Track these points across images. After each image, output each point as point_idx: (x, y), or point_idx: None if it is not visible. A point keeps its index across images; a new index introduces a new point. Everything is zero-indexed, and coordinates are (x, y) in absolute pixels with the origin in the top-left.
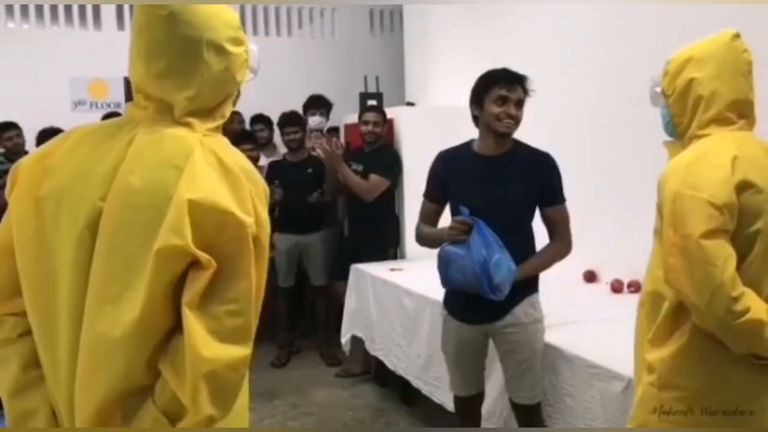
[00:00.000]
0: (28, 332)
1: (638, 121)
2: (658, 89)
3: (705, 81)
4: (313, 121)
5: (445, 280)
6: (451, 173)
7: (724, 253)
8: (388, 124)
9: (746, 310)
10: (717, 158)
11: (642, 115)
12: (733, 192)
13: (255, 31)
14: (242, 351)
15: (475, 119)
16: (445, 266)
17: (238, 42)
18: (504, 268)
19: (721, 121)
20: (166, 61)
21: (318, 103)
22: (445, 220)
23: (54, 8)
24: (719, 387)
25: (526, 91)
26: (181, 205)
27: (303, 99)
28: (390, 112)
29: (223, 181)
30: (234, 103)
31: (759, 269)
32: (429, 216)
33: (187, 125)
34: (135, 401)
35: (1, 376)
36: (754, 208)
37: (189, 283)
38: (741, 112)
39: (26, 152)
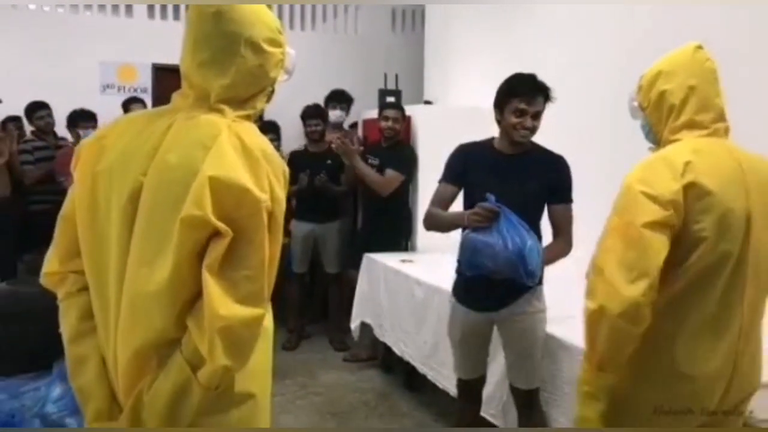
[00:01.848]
0: (85, 288)
1: None
2: (635, 103)
3: (675, 91)
4: (334, 114)
5: (472, 266)
6: (472, 163)
7: (659, 245)
8: (405, 122)
9: (646, 319)
10: (672, 159)
11: None
12: (680, 192)
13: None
14: (255, 312)
15: (498, 122)
16: (470, 253)
17: (275, 44)
18: (536, 252)
19: (691, 126)
20: (210, 53)
21: (339, 98)
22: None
23: None
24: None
25: (547, 99)
26: (203, 180)
27: (324, 92)
28: (408, 109)
29: (244, 162)
30: (268, 99)
31: (699, 274)
32: (443, 199)
33: (220, 111)
34: (168, 351)
35: (63, 324)
36: (701, 211)
37: (209, 250)
38: (711, 116)
39: (55, 133)
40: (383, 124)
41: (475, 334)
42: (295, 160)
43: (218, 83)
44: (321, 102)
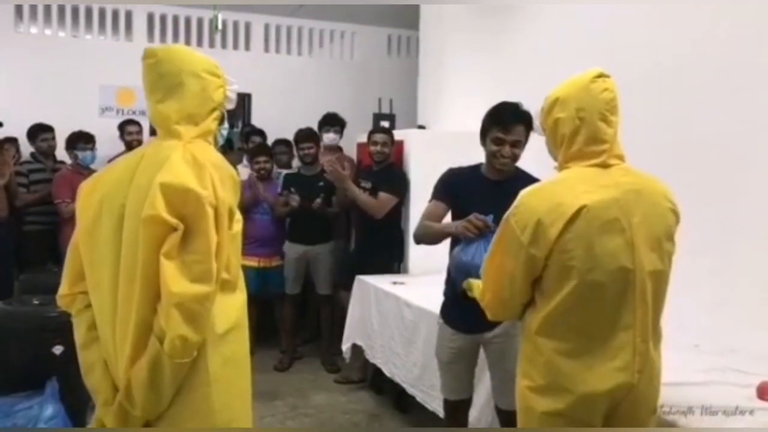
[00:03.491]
0: (90, 305)
1: (649, 148)
2: (538, 122)
3: (567, 121)
4: (328, 138)
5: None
6: (461, 188)
7: (520, 282)
8: (398, 146)
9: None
10: (548, 192)
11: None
12: (545, 225)
13: (278, 50)
14: (204, 288)
15: (483, 147)
16: (464, 276)
17: (213, 74)
18: None
19: (580, 157)
20: (162, 92)
21: (332, 121)
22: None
23: (89, 17)
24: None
25: (530, 128)
26: (155, 187)
27: (320, 116)
28: (401, 134)
29: (191, 169)
30: (220, 121)
31: (578, 299)
32: (434, 216)
33: (177, 135)
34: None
35: (76, 335)
36: (569, 241)
37: (166, 242)
38: (601, 148)
39: (54, 156)
40: (372, 148)
41: (462, 356)
42: (288, 183)
43: (173, 108)
44: (316, 124)
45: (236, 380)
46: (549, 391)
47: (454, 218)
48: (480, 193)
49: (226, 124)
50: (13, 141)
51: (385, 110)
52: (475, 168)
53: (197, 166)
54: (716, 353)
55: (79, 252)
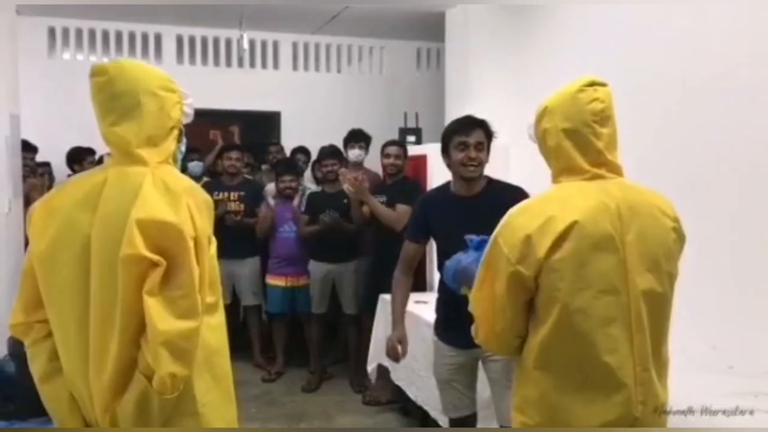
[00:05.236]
0: (50, 334)
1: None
2: (532, 131)
3: (553, 132)
4: (353, 154)
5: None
6: (433, 214)
7: (512, 305)
8: (421, 161)
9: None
10: (537, 210)
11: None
12: (530, 245)
13: (306, 68)
14: (191, 324)
15: (448, 167)
16: (451, 279)
17: (169, 90)
18: None
19: (569, 171)
20: (116, 115)
21: (358, 137)
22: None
23: (119, 41)
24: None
25: (488, 133)
26: (131, 223)
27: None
28: (424, 148)
29: (166, 199)
30: (178, 140)
31: (563, 335)
32: (409, 257)
33: (141, 160)
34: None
35: (34, 367)
36: (558, 260)
37: (148, 278)
38: (589, 159)
39: None
40: (385, 161)
41: (460, 372)
42: (312, 201)
43: (131, 132)
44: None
45: (221, 403)
46: (551, 425)
47: (436, 243)
48: (453, 214)
49: (184, 139)
50: (46, 166)
51: (411, 124)
52: (444, 187)
53: (171, 196)
54: (751, 376)
55: (34, 278)
